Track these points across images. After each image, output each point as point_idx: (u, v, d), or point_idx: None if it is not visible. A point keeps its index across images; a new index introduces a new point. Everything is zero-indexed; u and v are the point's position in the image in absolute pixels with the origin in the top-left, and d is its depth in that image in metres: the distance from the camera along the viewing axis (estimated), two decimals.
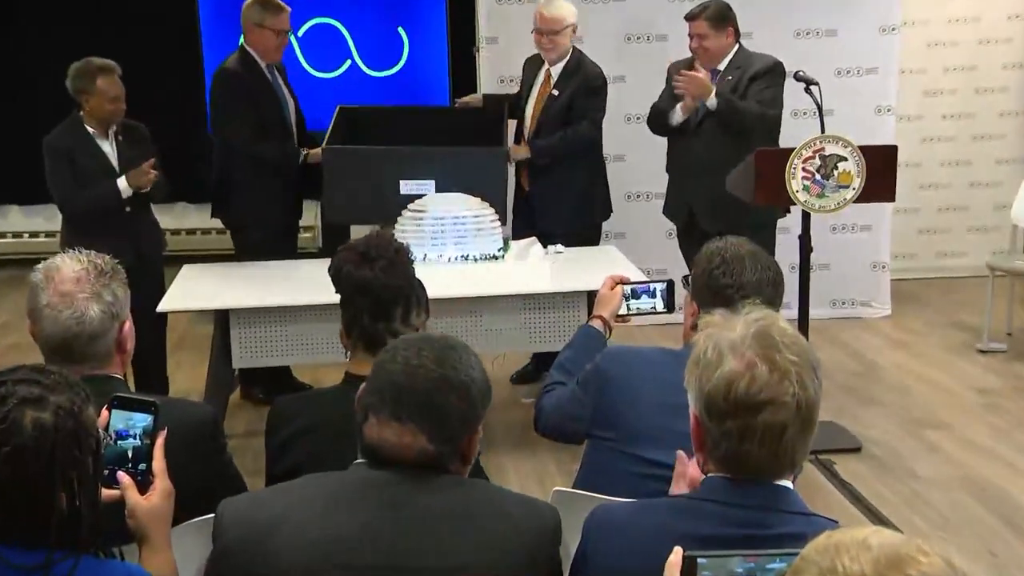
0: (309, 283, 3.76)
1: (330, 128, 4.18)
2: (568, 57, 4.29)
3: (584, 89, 4.26)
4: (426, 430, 1.38)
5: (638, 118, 4.95)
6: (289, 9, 4.15)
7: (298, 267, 4.07)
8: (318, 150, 4.12)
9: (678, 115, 4.18)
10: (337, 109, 4.33)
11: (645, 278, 3.64)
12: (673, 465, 1.86)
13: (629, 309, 2.40)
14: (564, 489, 1.93)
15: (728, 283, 1.94)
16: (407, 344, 1.43)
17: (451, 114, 4.48)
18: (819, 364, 1.36)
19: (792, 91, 4.14)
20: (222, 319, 3.72)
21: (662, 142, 4.39)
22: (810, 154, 3.65)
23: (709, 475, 1.39)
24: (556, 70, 4.30)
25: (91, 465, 1.30)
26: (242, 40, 4.15)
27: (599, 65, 4.36)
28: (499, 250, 3.88)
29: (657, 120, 4.28)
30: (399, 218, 3.88)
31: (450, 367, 1.40)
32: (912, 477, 3.70)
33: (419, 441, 1.38)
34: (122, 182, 3.89)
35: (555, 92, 4.30)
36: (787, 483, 1.37)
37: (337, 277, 2.03)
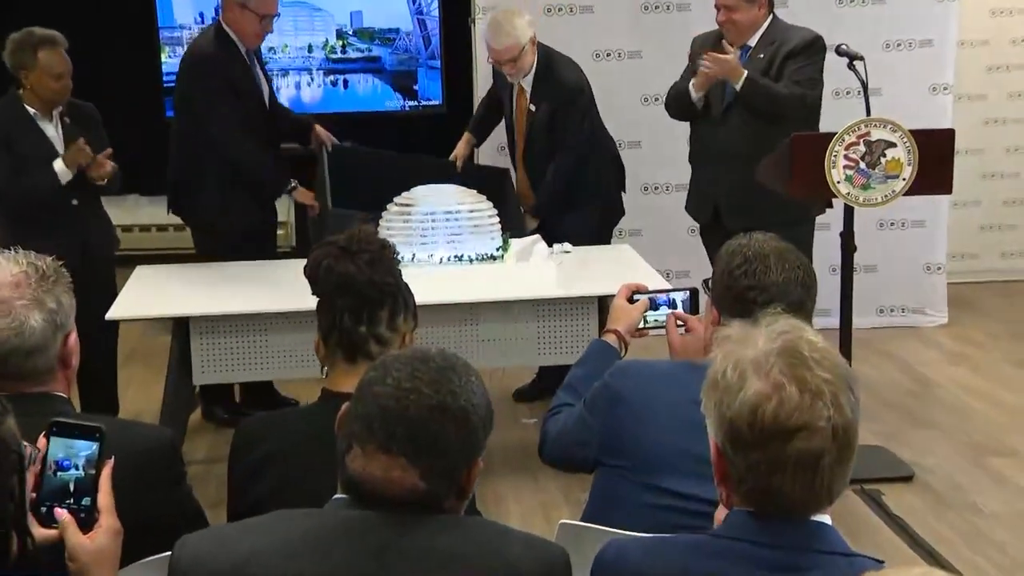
0: (282, 287, 3.77)
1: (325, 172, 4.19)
2: (536, 64, 4.30)
3: (560, 102, 4.28)
4: (419, 464, 1.37)
5: (656, 99, 4.96)
6: None
7: (269, 269, 4.08)
8: (309, 193, 4.12)
9: (692, 93, 4.19)
10: (326, 154, 4.29)
11: (664, 283, 3.66)
12: (695, 495, 1.87)
13: (647, 322, 2.41)
14: (571, 522, 1.93)
15: (750, 285, 1.94)
16: (399, 362, 1.42)
17: (451, 167, 4.51)
18: (856, 381, 1.37)
19: (834, 68, 4.15)
20: (181, 328, 3.73)
21: (684, 126, 4.40)
22: (854, 139, 3.66)
23: (734, 509, 1.39)
24: (527, 81, 4.34)
25: (16, 485, 1.28)
26: (220, 18, 4.14)
27: (574, 65, 4.35)
28: (498, 249, 3.89)
29: (677, 103, 4.29)
30: (384, 213, 3.89)
31: (448, 392, 1.39)
32: (973, 511, 3.70)
33: (410, 477, 1.37)
34: (59, 164, 3.85)
35: (532, 107, 4.35)
36: (824, 518, 1.37)
37: (315, 274, 2.03)
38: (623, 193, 4.58)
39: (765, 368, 1.34)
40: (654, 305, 2.42)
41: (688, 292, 2.44)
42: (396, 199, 3.89)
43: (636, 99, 5.29)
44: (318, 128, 4.39)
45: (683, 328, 2.28)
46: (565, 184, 4.31)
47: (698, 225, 4.52)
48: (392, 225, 3.82)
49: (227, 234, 4.19)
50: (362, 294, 1.97)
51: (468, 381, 1.42)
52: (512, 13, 4.28)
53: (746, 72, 4.04)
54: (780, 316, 1.45)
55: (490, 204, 3.92)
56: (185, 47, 6.25)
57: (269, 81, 4.34)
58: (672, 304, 2.42)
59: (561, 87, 4.28)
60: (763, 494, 1.34)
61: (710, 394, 1.38)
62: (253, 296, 3.77)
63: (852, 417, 1.34)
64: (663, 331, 2.39)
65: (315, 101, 6.37)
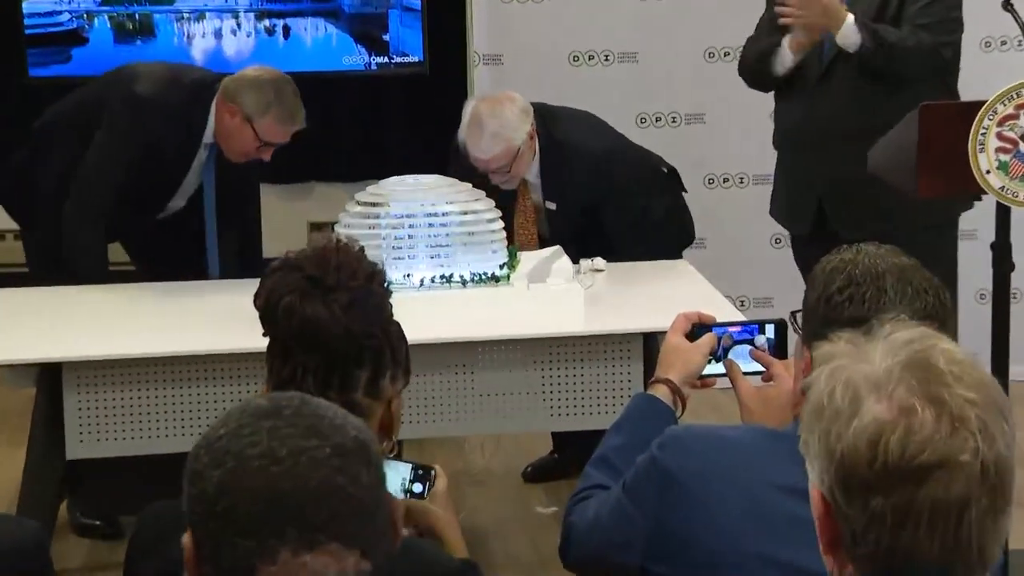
0: (204, 318, 3.79)
1: None
2: (536, 154, 4.34)
3: (599, 195, 4.33)
4: (356, 541, 1.38)
5: (725, 54, 5.00)
6: (301, 125, 4.34)
7: (184, 293, 4.10)
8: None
9: (786, 58, 4.22)
10: None
11: (737, 313, 3.67)
12: None
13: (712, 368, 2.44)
14: None
15: (858, 315, 1.96)
16: (239, 437, 1.40)
17: None
18: (1009, 407, 1.38)
19: (980, 8, 4.17)
20: (49, 379, 3.74)
21: (764, 97, 4.42)
22: (1011, 111, 3.67)
23: None
24: (532, 174, 4.39)
25: None
26: (215, 99, 4.30)
27: (589, 122, 4.40)
28: (502, 267, 3.90)
29: (756, 66, 4.32)
30: (342, 215, 3.92)
31: (332, 430, 1.40)
32: None
33: (351, 562, 1.37)
34: None
35: (551, 206, 4.41)
36: None
37: (271, 313, 2.04)
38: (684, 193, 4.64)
39: (887, 387, 1.36)
40: (723, 346, 2.44)
41: (774, 325, 2.47)
42: (359, 196, 3.91)
43: (697, 55, 5.32)
44: None
45: (763, 375, 2.30)
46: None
47: (787, 234, 4.53)
48: (353, 232, 3.81)
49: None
50: (335, 351, 2.00)
51: (333, 409, 1.43)
52: (498, 103, 4.28)
53: (850, 16, 4.06)
54: (904, 323, 1.48)
55: (491, 203, 3.94)
56: None
57: (241, 197, 4.57)
58: (752, 342, 2.45)
59: (597, 174, 4.30)
60: (888, 556, 1.36)
61: (812, 425, 1.40)
62: (159, 332, 3.77)
63: (1007, 453, 1.36)
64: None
65: (243, 58, 6.39)
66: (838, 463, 1.37)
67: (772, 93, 4.40)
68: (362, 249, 2.13)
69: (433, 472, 2.24)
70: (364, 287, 2.04)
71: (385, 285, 2.09)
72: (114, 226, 4.38)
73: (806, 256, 4.39)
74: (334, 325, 1.99)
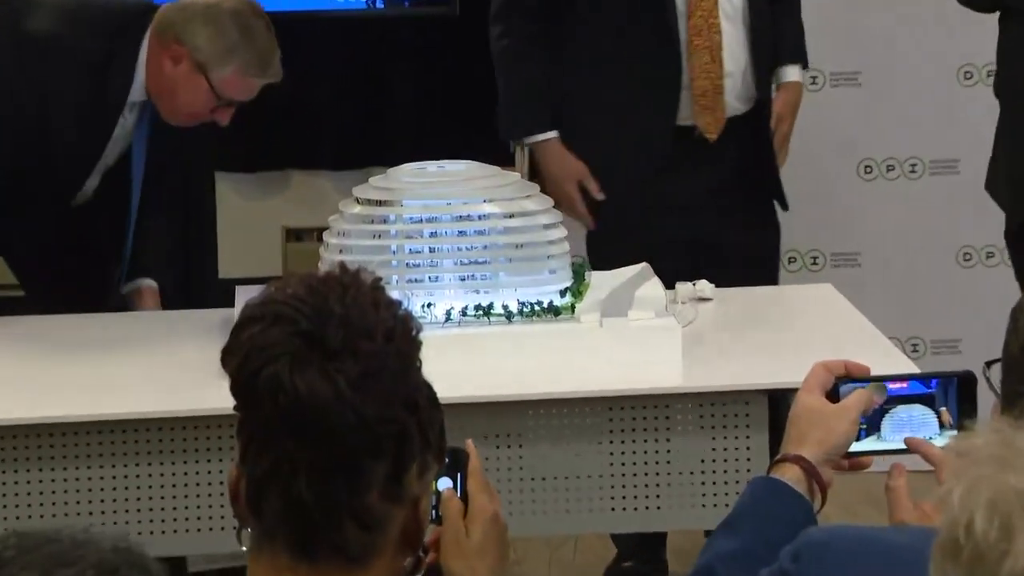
0: (123, 366, 3.83)
1: None
2: None
3: None
4: None
5: None
6: (276, 77, 4.34)
7: (96, 326, 4.15)
8: None
9: None
10: None
11: (905, 362, 3.66)
12: None
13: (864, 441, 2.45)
14: None
15: None
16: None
17: None
18: None
19: None
20: None
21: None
22: None
23: None
24: None
25: None
26: (147, 37, 4.32)
27: None
28: (564, 293, 3.91)
29: None
30: (333, 218, 3.95)
31: None
32: None
33: None
34: None
35: None
36: None
37: (247, 384, 2.02)
38: None
39: None
40: (883, 407, 2.45)
41: (956, 379, 2.48)
42: (359, 191, 3.93)
43: None
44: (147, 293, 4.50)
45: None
46: None
47: (981, 248, 4.51)
48: (351, 243, 3.86)
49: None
50: (341, 442, 1.99)
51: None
52: None
53: None
54: None
55: (547, 202, 3.94)
56: None
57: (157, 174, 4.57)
58: (926, 401, 2.47)
59: None
60: None
61: (946, 569, 1.43)
62: (92, 387, 3.80)
63: None
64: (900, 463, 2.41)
65: None
66: None
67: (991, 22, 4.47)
68: (378, 281, 2.09)
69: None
70: (384, 349, 2.01)
71: (415, 335, 2.05)
72: None
73: None
74: (339, 408, 1.97)
